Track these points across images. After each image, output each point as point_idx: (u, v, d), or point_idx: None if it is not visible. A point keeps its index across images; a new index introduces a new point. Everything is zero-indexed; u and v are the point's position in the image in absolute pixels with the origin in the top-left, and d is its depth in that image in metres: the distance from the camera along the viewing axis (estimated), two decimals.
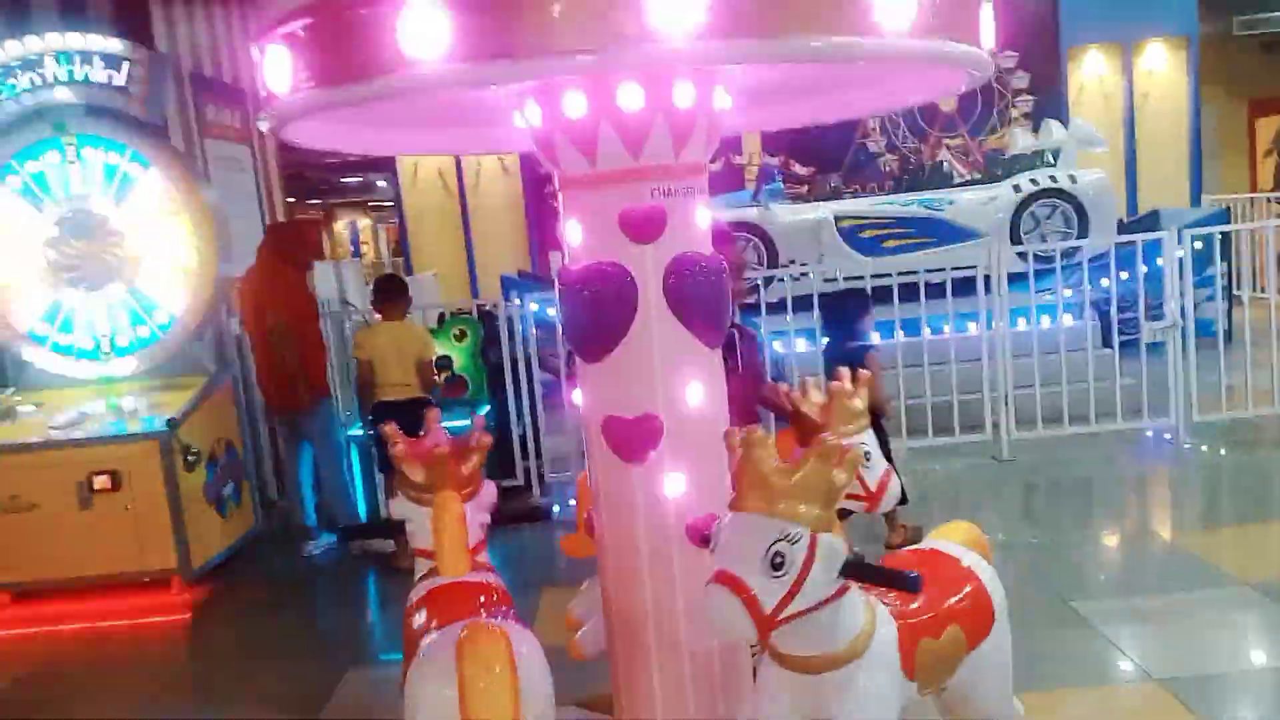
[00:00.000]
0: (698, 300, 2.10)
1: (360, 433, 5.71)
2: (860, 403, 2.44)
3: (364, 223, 23.80)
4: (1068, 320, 6.87)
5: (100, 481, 5.01)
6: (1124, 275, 7.18)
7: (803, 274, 7.37)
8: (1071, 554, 4.68)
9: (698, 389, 2.15)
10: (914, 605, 1.89)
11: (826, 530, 1.67)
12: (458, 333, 5.97)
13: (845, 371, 2.51)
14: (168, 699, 4.04)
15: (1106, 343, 7.19)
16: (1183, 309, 6.16)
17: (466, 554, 2.21)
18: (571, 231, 2.18)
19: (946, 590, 1.98)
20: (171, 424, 5.10)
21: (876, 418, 4.12)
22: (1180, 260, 6.13)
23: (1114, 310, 7.10)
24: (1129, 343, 6.73)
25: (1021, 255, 7.44)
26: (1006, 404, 6.14)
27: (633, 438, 2.14)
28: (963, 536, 2.21)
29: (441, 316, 6.44)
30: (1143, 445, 6.24)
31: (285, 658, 4.24)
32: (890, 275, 6.77)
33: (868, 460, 2.38)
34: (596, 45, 1.61)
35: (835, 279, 7.41)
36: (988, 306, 6.28)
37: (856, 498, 2.38)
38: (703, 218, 2.18)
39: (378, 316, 5.54)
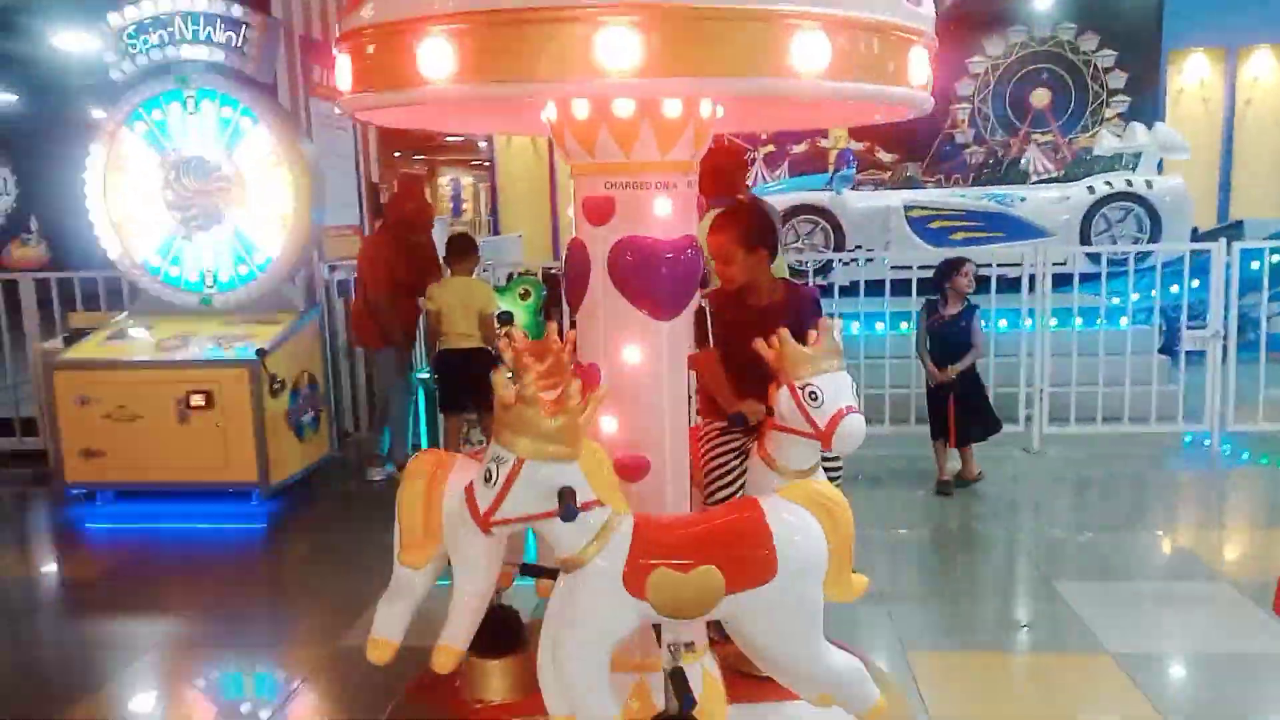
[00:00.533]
0: (639, 278, 2.48)
1: (426, 376, 6.24)
2: (816, 349, 2.63)
3: (466, 180, 24.28)
4: (1123, 323, 6.99)
5: (196, 400, 5.63)
6: (1195, 284, 7.20)
7: (852, 260, 7.61)
8: (1070, 540, 4.94)
9: (634, 350, 2.54)
10: (668, 539, 2.24)
11: (555, 459, 2.07)
12: (522, 291, 6.41)
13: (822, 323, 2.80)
14: (239, 595, 4.58)
15: (1168, 349, 7.29)
16: (1226, 320, 6.27)
17: None
18: (575, 209, 2.62)
19: (720, 535, 2.25)
20: (261, 354, 5.69)
21: None
22: (1227, 271, 6.24)
23: (1184, 317, 7.13)
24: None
25: (1091, 257, 7.52)
26: (1041, 399, 6.35)
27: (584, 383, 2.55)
28: (802, 495, 2.38)
29: (510, 275, 6.90)
30: (1174, 449, 6.39)
31: (342, 566, 4.76)
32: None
33: (814, 400, 2.60)
34: (558, 76, 2.05)
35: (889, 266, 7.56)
36: (1029, 304, 6.45)
37: (809, 435, 2.64)
38: (661, 207, 2.52)
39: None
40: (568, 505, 2.05)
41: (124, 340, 6.04)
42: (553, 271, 6.93)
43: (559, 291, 6.75)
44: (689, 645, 2.39)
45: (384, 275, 5.92)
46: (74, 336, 6.19)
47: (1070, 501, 5.72)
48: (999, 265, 6.76)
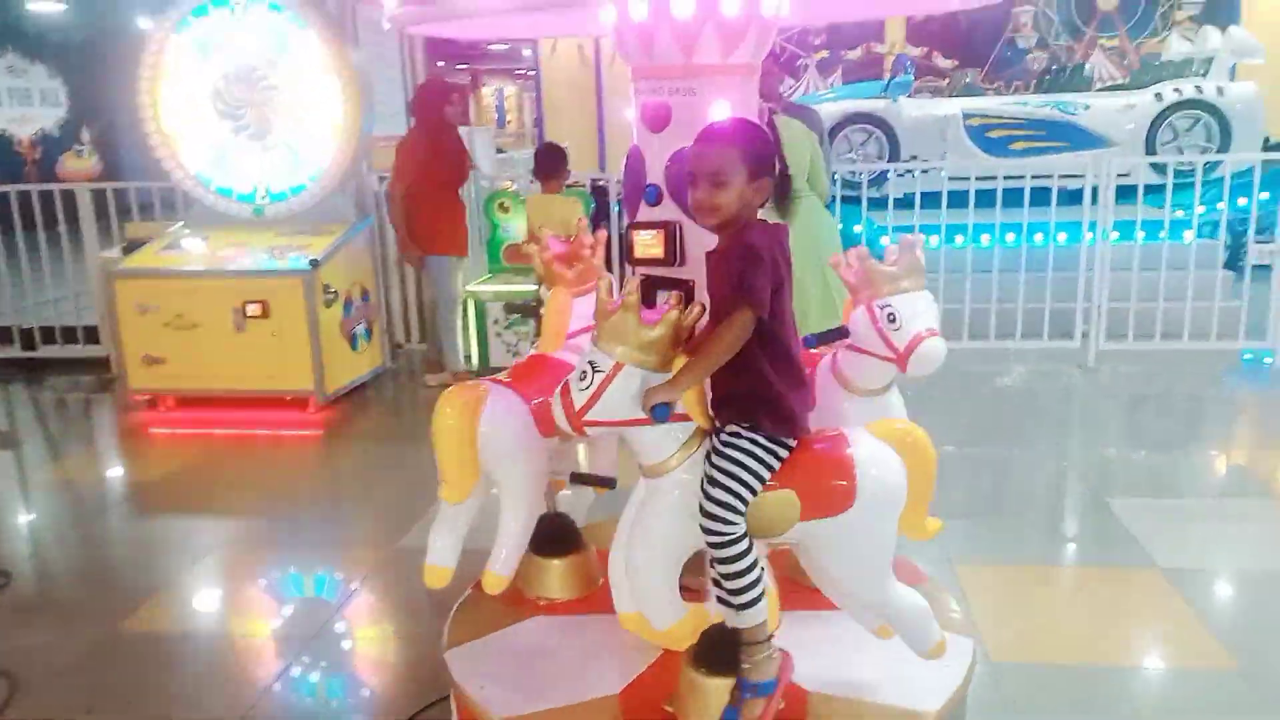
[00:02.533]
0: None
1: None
2: (897, 268, 2.53)
3: (510, 90, 24.02)
4: (1188, 237, 6.77)
5: (252, 309, 5.71)
6: (1264, 196, 6.91)
7: (908, 171, 7.45)
8: (1126, 457, 4.89)
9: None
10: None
11: (648, 367, 2.06)
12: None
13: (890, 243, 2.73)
14: (298, 499, 4.72)
15: (1233, 264, 7.07)
16: None
17: (561, 336, 2.74)
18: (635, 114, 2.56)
19: (801, 460, 2.19)
20: (314, 264, 5.74)
21: None
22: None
23: (1252, 231, 6.88)
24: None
25: (1156, 167, 7.29)
26: (1098, 315, 6.22)
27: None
28: (890, 432, 2.33)
29: None
30: (1235, 366, 6.25)
31: (397, 472, 4.87)
32: (996, 178, 6.82)
33: (892, 322, 2.52)
34: None
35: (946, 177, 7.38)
36: (1091, 217, 6.28)
37: (885, 358, 2.66)
38: (720, 113, 2.42)
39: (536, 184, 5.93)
40: (658, 407, 2.06)
41: (180, 250, 6.13)
42: (601, 183, 6.88)
43: (607, 203, 6.76)
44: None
45: (419, 178, 5.86)
46: (131, 246, 6.29)
47: (1124, 419, 5.65)
48: (1060, 176, 6.55)
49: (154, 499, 4.78)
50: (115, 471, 5.42)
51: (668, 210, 2.46)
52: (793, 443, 2.18)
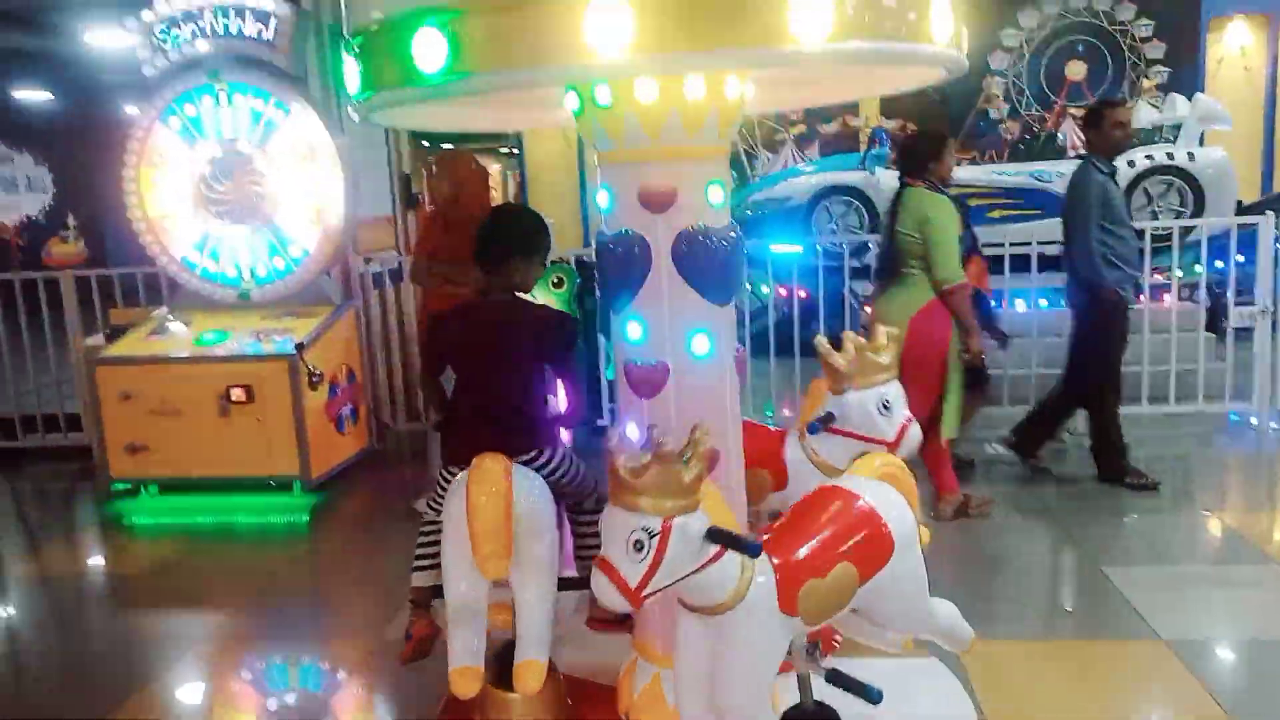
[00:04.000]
0: (700, 264, 2.44)
1: None
2: (886, 356, 2.78)
3: (494, 168, 24.28)
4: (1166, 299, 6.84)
5: (236, 394, 5.66)
6: (1240, 259, 7.02)
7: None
8: (1118, 522, 4.86)
9: (702, 340, 2.49)
10: (801, 552, 2.19)
11: (689, 511, 1.98)
12: (555, 280, 6.36)
13: (877, 328, 2.84)
14: (284, 588, 4.61)
15: (1214, 326, 7.12)
16: (1275, 294, 6.13)
17: None
18: (603, 198, 2.58)
19: (839, 530, 2.22)
20: (299, 347, 5.72)
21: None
22: (1275, 245, 6.10)
23: (1231, 294, 6.95)
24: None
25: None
26: None
27: (648, 380, 2.52)
28: (872, 468, 2.41)
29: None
30: (1221, 428, 6.27)
31: (385, 557, 4.78)
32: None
33: (886, 409, 2.75)
34: (543, 60, 2.05)
35: None
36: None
37: (880, 442, 2.76)
38: (714, 193, 2.51)
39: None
40: (738, 539, 1.98)
41: (164, 336, 6.10)
42: (585, 259, 6.90)
43: (591, 279, 6.76)
44: (814, 644, 2.38)
45: (420, 253, 5.64)
46: (115, 332, 6.25)
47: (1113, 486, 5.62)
48: (1039, 244, 6.62)
49: (136, 591, 4.67)
50: (96, 562, 5.30)
51: None
52: None
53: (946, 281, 4.46)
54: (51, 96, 15.81)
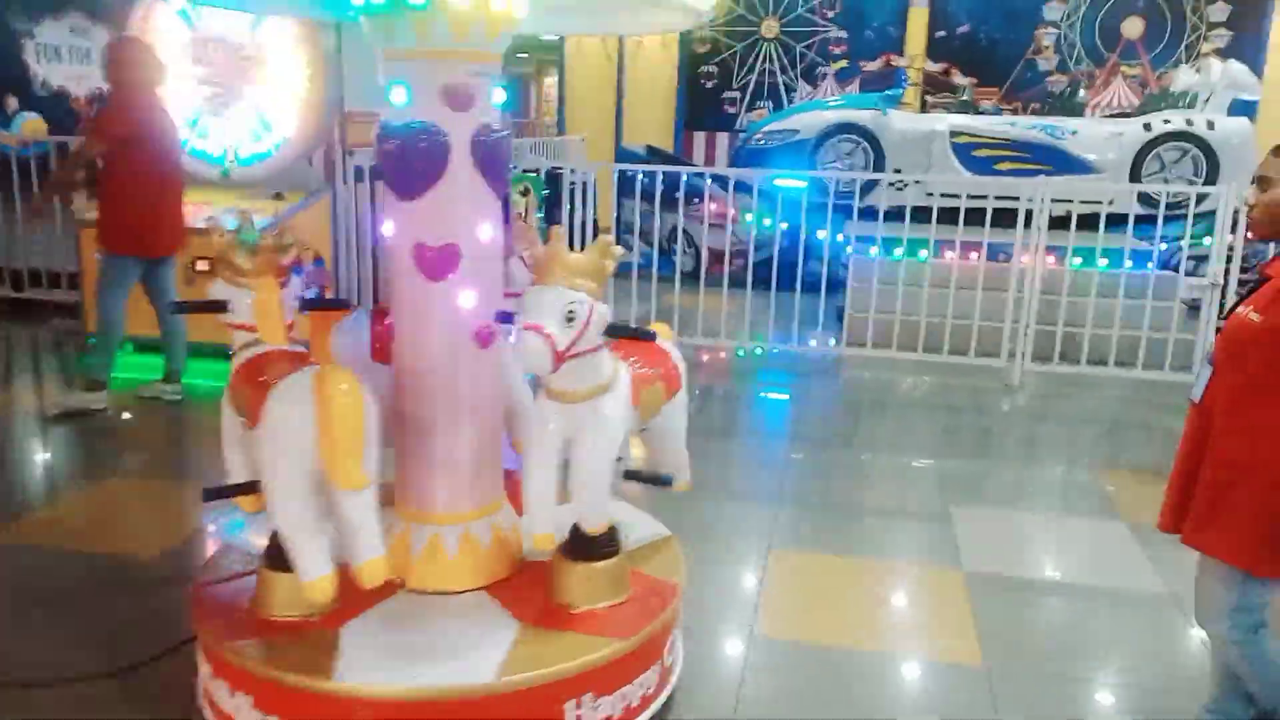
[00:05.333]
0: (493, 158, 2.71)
1: None
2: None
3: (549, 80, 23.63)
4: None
5: (201, 265, 5.97)
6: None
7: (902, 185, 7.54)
8: (990, 470, 4.99)
9: (488, 227, 2.74)
10: (640, 366, 2.74)
11: (598, 300, 2.42)
12: (522, 189, 6.59)
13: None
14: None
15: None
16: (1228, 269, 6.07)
17: (285, 327, 2.76)
18: (399, 94, 2.78)
19: (655, 361, 2.85)
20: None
21: None
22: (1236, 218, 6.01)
23: (1183, 266, 6.82)
24: None
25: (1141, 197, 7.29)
26: (1026, 334, 6.29)
27: (438, 262, 2.75)
28: (666, 333, 3.04)
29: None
30: (1153, 393, 6.25)
31: None
32: (959, 196, 6.91)
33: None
34: None
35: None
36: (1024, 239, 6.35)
37: None
38: (497, 94, 2.73)
39: None
40: (638, 330, 2.62)
41: None
42: (558, 170, 7.09)
43: (559, 192, 6.96)
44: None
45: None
46: None
47: (1024, 436, 5.71)
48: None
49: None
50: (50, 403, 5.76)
51: None
52: None
53: None
54: None
